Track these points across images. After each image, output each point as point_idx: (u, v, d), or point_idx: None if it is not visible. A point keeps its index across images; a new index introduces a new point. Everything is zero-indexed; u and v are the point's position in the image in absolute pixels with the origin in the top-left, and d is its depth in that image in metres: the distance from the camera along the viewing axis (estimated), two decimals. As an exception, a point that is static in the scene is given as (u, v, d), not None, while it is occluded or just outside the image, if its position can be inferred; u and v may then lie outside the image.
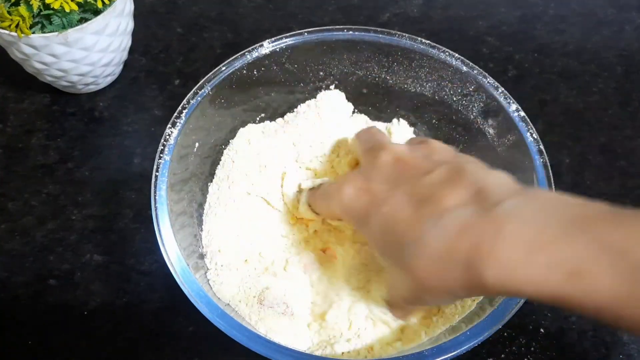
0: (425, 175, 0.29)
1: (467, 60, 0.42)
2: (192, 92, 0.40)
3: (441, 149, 0.33)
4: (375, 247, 0.31)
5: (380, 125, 0.47)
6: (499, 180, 0.28)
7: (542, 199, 0.25)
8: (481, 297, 0.36)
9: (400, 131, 0.45)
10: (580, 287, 0.22)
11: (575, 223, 0.23)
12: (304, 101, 0.47)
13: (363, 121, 0.47)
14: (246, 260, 0.39)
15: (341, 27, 0.43)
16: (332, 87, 0.46)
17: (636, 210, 0.22)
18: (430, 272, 0.26)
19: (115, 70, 0.53)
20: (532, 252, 0.23)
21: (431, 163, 0.31)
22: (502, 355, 0.40)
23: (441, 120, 0.45)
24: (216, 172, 0.43)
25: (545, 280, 0.23)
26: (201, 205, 0.41)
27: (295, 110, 0.46)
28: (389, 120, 0.47)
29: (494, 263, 0.24)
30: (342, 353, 0.35)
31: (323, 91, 0.46)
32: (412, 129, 0.46)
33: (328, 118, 0.44)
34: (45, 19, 0.44)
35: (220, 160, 0.44)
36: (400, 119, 0.47)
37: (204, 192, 0.42)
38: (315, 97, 0.46)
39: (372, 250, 0.34)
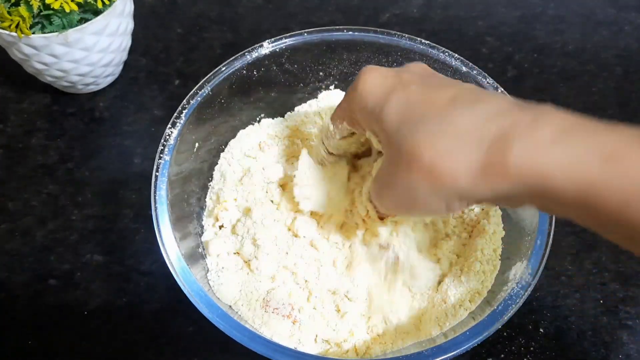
0: (459, 83, 0.28)
1: (467, 61, 0.42)
2: (192, 92, 0.40)
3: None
4: (382, 127, 0.27)
5: None
6: None
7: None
8: (477, 303, 0.36)
9: None
10: (614, 172, 0.21)
11: (612, 124, 0.22)
12: (304, 101, 0.47)
13: None
14: (247, 262, 0.39)
15: (341, 27, 0.43)
16: (332, 87, 0.46)
17: None
18: (446, 150, 0.24)
19: (115, 70, 0.53)
20: (569, 134, 0.22)
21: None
22: (502, 355, 0.40)
23: (441, 121, 0.45)
24: (215, 171, 0.43)
25: (578, 163, 0.21)
26: (201, 206, 0.41)
27: (296, 109, 0.46)
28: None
29: (525, 140, 0.22)
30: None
31: (324, 91, 0.46)
32: None
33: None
34: (45, 19, 0.44)
35: (220, 160, 0.44)
36: None
37: (204, 191, 0.42)
38: (316, 98, 0.46)
39: (377, 134, 0.30)
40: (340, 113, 0.33)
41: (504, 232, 0.39)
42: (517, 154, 0.22)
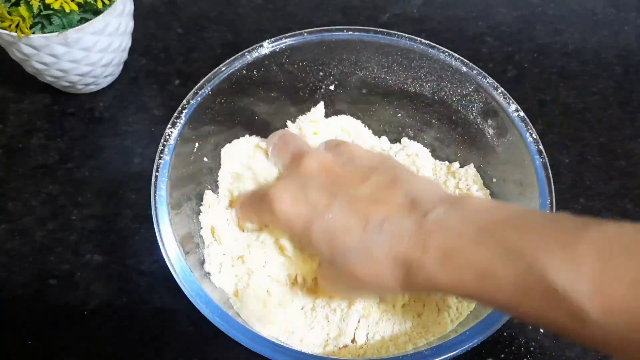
0: (361, 184, 0.32)
1: (467, 61, 0.42)
2: (192, 92, 0.40)
3: (361, 153, 0.36)
4: (318, 253, 0.33)
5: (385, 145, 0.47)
6: (428, 188, 0.32)
7: (462, 207, 0.28)
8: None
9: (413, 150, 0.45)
10: (487, 287, 0.25)
11: (485, 230, 0.26)
12: (304, 102, 0.47)
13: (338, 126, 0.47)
14: (247, 264, 0.39)
15: (341, 27, 0.43)
16: (332, 87, 0.46)
17: (545, 214, 0.26)
18: (374, 275, 0.30)
19: (115, 70, 0.53)
20: (449, 259, 0.27)
21: (361, 171, 0.33)
22: (502, 355, 0.40)
23: (441, 121, 0.45)
24: (215, 172, 0.43)
25: (460, 281, 0.26)
26: (202, 205, 0.41)
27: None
28: (388, 121, 0.47)
29: (422, 270, 0.28)
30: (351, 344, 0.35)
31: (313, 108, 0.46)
32: (427, 150, 0.46)
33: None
34: (45, 19, 0.44)
35: (219, 160, 0.44)
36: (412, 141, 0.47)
37: (204, 192, 0.42)
38: (313, 102, 0.46)
39: (313, 255, 0.36)
40: (253, 218, 0.38)
41: None
42: (419, 277, 0.28)
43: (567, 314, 0.22)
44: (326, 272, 0.35)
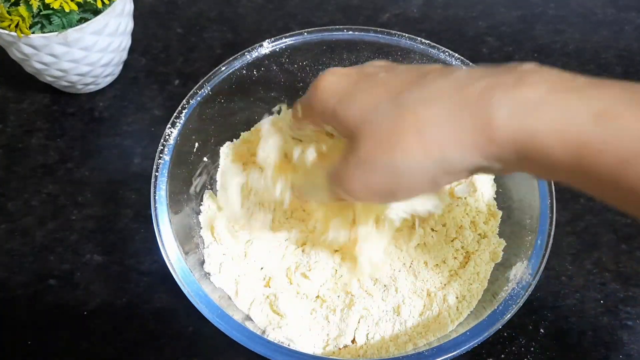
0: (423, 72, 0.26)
1: (467, 61, 0.42)
2: (191, 92, 0.40)
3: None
4: (354, 113, 0.25)
5: None
6: None
7: None
8: (477, 297, 0.36)
9: None
10: (607, 129, 0.19)
11: (601, 80, 0.21)
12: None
13: None
14: (247, 257, 0.39)
15: (341, 27, 0.43)
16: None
17: None
18: (431, 118, 0.22)
19: (115, 70, 0.53)
20: (557, 93, 0.20)
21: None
22: (502, 356, 0.40)
23: (441, 121, 0.45)
24: (215, 172, 0.43)
25: (568, 122, 0.20)
26: (201, 206, 0.41)
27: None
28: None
29: (511, 101, 0.20)
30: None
31: None
32: None
33: None
34: (45, 19, 0.44)
35: (219, 160, 0.44)
36: None
37: (204, 191, 0.42)
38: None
39: (338, 126, 0.27)
40: (304, 112, 0.31)
41: (504, 243, 0.39)
42: (504, 115, 0.20)
43: None
44: (350, 162, 0.25)
